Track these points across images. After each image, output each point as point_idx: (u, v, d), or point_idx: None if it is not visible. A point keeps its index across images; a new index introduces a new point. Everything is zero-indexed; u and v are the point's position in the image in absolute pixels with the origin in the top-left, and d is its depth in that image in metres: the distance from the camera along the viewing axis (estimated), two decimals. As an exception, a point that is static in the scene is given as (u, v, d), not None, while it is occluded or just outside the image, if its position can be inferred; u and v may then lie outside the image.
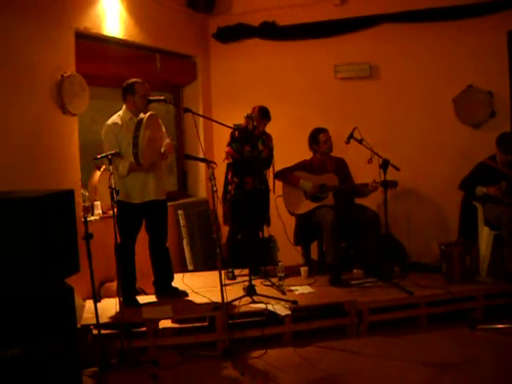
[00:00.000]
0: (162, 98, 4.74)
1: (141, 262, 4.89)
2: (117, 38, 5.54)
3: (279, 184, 5.66)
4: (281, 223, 5.60)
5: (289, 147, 6.35)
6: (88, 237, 3.82)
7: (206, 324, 4.57)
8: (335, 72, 6.59)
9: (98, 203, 5.31)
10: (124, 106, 4.72)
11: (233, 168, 5.54)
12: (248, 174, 5.50)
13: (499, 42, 5.99)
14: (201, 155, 4.97)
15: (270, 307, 4.57)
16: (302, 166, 5.70)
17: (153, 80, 5.49)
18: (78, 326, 4.05)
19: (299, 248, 5.91)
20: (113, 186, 4.09)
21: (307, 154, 5.81)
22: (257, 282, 5.17)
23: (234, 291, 4.91)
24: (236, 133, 5.44)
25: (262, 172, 5.57)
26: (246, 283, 4.94)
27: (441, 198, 6.31)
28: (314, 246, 5.93)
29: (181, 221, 6.37)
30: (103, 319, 4.28)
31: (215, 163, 4.64)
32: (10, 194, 3.36)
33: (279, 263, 5.16)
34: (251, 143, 5.48)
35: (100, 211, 5.30)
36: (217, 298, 4.47)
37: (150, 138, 4.48)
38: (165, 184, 5.04)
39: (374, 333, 4.65)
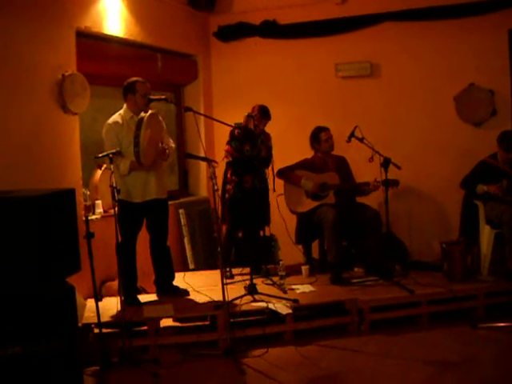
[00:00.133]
0: (162, 97, 4.74)
1: (142, 260, 4.89)
2: (118, 37, 5.54)
3: (280, 182, 5.66)
4: (282, 222, 5.59)
5: (290, 146, 6.35)
6: (89, 236, 3.82)
7: (207, 323, 4.57)
8: (336, 71, 6.58)
9: (99, 202, 5.31)
10: (125, 105, 4.72)
11: (232, 166, 5.53)
12: (247, 172, 5.50)
13: (500, 41, 5.99)
14: (202, 154, 4.98)
15: (271, 306, 4.57)
16: (304, 165, 5.70)
17: (154, 79, 5.49)
18: (80, 324, 4.06)
19: (300, 247, 5.91)
20: (114, 184, 4.09)
21: (308, 153, 5.81)
22: (258, 281, 5.17)
23: (235, 290, 4.92)
24: (236, 131, 5.44)
25: (262, 171, 5.56)
26: (247, 282, 4.94)
27: (442, 196, 6.31)
28: (315, 245, 5.93)
29: (182, 220, 6.37)
30: (104, 318, 4.28)
31: (216, 162, 4.64)
32: (11, 193, 3.36)
33: (280, 262, 5.16)
34: (251, 142, 5.47)
35: (101, 210, 5.29)
36: (218, 297, 4.47)
37: (151, 137, 4.47)
38: (166, 183, 5.05)
39: (375, 331, 4.65)
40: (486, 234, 5.30)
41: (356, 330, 4.67)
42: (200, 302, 4.76)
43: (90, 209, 5.24)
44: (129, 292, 4.61)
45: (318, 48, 6.66)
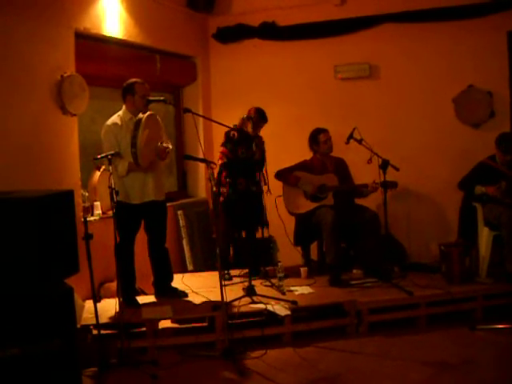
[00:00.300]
0: (161, 98, 4.74)
1: (140, 262, 4.89)
2: (116, 39, 5.54)
3: (279, 184, 5.66)
4: (280, 223, 5.59)
5: (289, 147, 6.37)
6: (88, 237, 3.82)
7: (205, 324, 4.57)
8: (335, 72, 6.59)
9: (97, 203, 5.31)
10: (124, 107, 4.72)
11: (226, 168, 5.52)
12: (241, 175, 5.50)
13: (499, 42, 5.99)
14: (200, 155, 4.97)
15: (269, 307, 4.57)
16: (302, 166, 5.70)
17: (153, 80, 5.49)
18: (78, 326, 4.05)
19: (299, 248, 5.91)
20: (112, 186, 4.09)
21: (307, 154, 5.82)
22: (256, 283, 5.17)
23: (234, 291, 4.92)
24: (231, 133, 5.44)
25: (254, 174, 5.57)
26: (246, 283, 4.94)
27: (441, 198, 6.31)
28: (313, 247, 5.93)
29: (180, 221, 6.37)
30: (103, 319, 4.27)
31: (215, 163, 4.65)
32: (10, 194, 3.36)
33: (279, 263, 5.15)
34: (245, 144, 5.48)
35: (100, 211, 5.29)
36: (216, 299, 4.47)
37: (149, 138, 4.47)
38: (164, 185, 5.04)
39: (374, 333, 4.65)
40: (485, 235, 5.30)
41: (354, 332, 4.67)
42: (198, 303, 4.75)
43: (89, 210, 5.24)
44: (127, 293, 4.62)
45: (317, 49, 6.67)
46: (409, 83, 6.38)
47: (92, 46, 5.35)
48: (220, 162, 5.51)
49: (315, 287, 5.17)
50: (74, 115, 5.00)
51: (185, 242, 6.34)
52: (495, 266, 5.27)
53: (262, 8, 6.76)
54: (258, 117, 5.50)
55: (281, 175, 5.66)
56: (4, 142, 4.31)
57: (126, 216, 4.57)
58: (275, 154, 5.71)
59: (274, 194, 5.53)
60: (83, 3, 5.09)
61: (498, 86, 6.02)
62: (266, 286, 5.23)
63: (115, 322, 4.30)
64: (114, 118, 4.66)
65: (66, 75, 4.82)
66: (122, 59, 5.73)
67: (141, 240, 4.85)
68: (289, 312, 4.54)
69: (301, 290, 5.08)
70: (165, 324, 4.48)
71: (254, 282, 4.95)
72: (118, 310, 4.19)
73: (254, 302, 4.69)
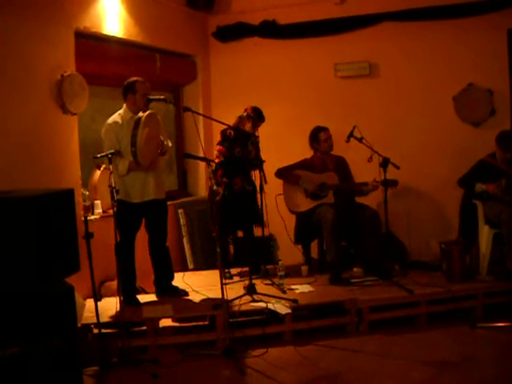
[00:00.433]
0: (161, 97, 4.74)
1: (141, 260, 4.89)
2: (116, 38, 5.54)
3: (279, 182, 5.65)
4: (281, 222, 5.60)
5: (289, 146, 6.37)
6: (88, 236, 3.83)
7: (206, 323, 4.57)
8: (335, 70, 6.58)
9: (98, 202, 5.31)
10: (124, 105, 4.72)
11: (222, 167, 5.51)
12: (237, 174, 5.50)
13: (499, 41, 5.99)
14: (201, 154, 4.97)
15: (270, 306, 4.57)
16: (303, 165, 5.71)
17: (153, 79, 5.47)
18: (79, 325, 4.06)
19: (299, 247, 5.91)
20: (113, 185, 4.09)
21: (307, 153, 5.82)
22: (257, 281, 5.17)
23: (235, 290, 4.92)
24: (228, 131, 5.44)
25: (250, 173, 5.57)
26: (247, 282, 4.94)
27: (441, 196, 6.31)
28: (314, 245, 5.93)
29: (181, 220, 6.37)
30: (104, 318, 4.28)
31: (215, 162, 4.63)
32: (10, 193, 3.36)
33: (279, 262, 5.16)
34: (241, 143, 5.48)
35: (100, 210, 5.30)
36: (217, 297, 4.47)
37: (149, 136, 4.47)
38: (164, 183, 5.04)
39: (375, 331, 4.65)
40: (485, 233, 5.30)
41: (355, 330, 4.67)
42: (199, 301, 4.76)
43: (89, 209, 5.25)
44: (128, 292, 4.62)
45: (317, 48, 6.66)
46: (409, 82, 6.38)
47: (92, 45, 5.35)
48: (217, 160, 5.50)
49: (316, 285, 5.17)
50: (74, 114, 5.00)
51: (185, 241, 6.34)
52: (495, 264, 5.27)
53: (262, 6, 6.75)
54: (256, 116, 5.50)
55: (281, 174, 5.66)
56: (4, 142, 4.31)
57: (126, 215, 4.58)
58: (275, 152, 5.71)
59: (272, 193, 5.52)
60: (83, 2, 5.08)
61: (498, 84, 6.01)
62: (266, 284, 5.23)
63: (116, 320, 4.31)
64: (115, 117, 4.66)
65: (66, 74, 4.81)
66: (122, 58, 5.73)
67: (141, 238, 4.85)
68: (289, 310, 4.55)
69: (301, 288, 5.08)
70: (165, 323, 4.48)
71: (254, 281, 4.95)
72: (118, 308, 4.19)
73: (254, 301, 4.69)
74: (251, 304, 4.65)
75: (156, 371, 3.88)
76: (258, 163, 5.08)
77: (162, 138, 4.69)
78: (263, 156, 5.24)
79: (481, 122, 6.12)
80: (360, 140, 5.40)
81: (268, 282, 5.27)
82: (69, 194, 3.55)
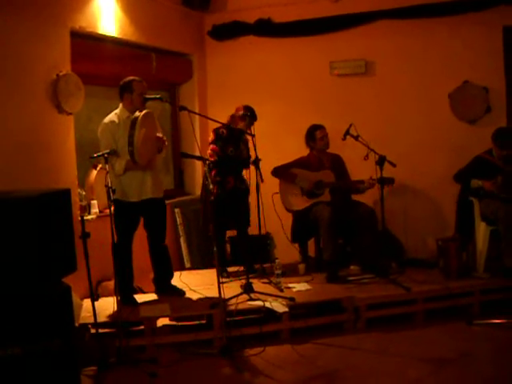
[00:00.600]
0: (157, 96, 4.73)
1: (139, 259, 4.88)
2: (112, 37, 5.53)
3: (276, 181, 5.65)
4: (278, 220, 5.59)
5: (285, 144, 6.37)
6: (85, 236, 3.82)
7: (203, 322, 4.57)
8: (331, 68, 6.58)
9: (94, 202, 5.30)
10: (121, 105, 4.71)
11: (216, 166, 5.50)
12: (230, 173, 5.50)
13: (495, 38, 5.99)
14: (197, 153, 4.98)
15: (267, 304, 4.57)
16: (299, 163, 5.71)
17: (148, 78, 5.46)
18: (76, 324, 4.06)
19: (296, 245, 5.92)
20: (109, 184, 4.09)
21: (303, 151, 5.82)
22: (254, 280, 5.18)
23: (232, 289, 4.92)
24: (221, 130, 5.43)
25: (242, 172, 5.57)
26: (243, 281, 4.94)
27: (437, 193, 6.32)
28: (311, 243, 5.94)
29: (177, 219, 6.37)
30: (101, 318, 4.28)
31: (211, 161, 4.63)
32: (7, 193, 3.35)
33: (276, 260, 5.16)
34: (234, 143, 5.49)
35: (97, 210, 5.29)
36: (214, 296, 4.47)
37: (146, 135, 4.47)
38: (162, 182, 5.04)
39: (372, 329, 4.66)
40: (482, 230, 5.31)
41: (352, 328, 4.68)
42: (196, 300, 4.76)
43: (86, 209, 5.24)
44: (125, 292, 4.62)
45: (313, 46, 6.66)
46: (405, 79, 6.38)
47: (87, 44, 5.34)
48: (211, 159, 5.48)
49: (313, 284, 5.18)
50: (70, 114, 4.99)
51: (182, 240, 6.34)
52: (492, 261, 5.27)
53: (258, 5, 6.74)
54: (249, 115, 5.50)
55: (277, 172, 5.66)
56: (0, 142, 4.30)
57: (123, 214, 4.58)
58: (271, 150, 5.69)
59: (269, 192, 5.51)
60: (78, 2, 5.07)
61: (493, 82, 6.02)
62: (263, 283, 5.23)
63: (113, 320, 4.31)
64: (112, 116, 4.65)
65: (61, 74, 4.81)
66: (118, 58, 5.72)
67: (139, 237, 4.85)
68: (286, 309, 4.55)
69: (298, 286, 5.09)
70: (163, 322, 4.49)
71: (251, 279, 4.95)
72: (116, 308, 4.19)
73: (251, 299, 4.70)
74: (248, 303, 4.66)
75: (154, 370, 3.88)
76: (252, 162, 5.09)
77: (159, 134, 4.69)
78: (259, 155, 5.23)
79: (476, 120, 6.13)
80: (356, 138, 5.41)
81: (265, 280, 5.27)
82: (65, 193, 3.55)
